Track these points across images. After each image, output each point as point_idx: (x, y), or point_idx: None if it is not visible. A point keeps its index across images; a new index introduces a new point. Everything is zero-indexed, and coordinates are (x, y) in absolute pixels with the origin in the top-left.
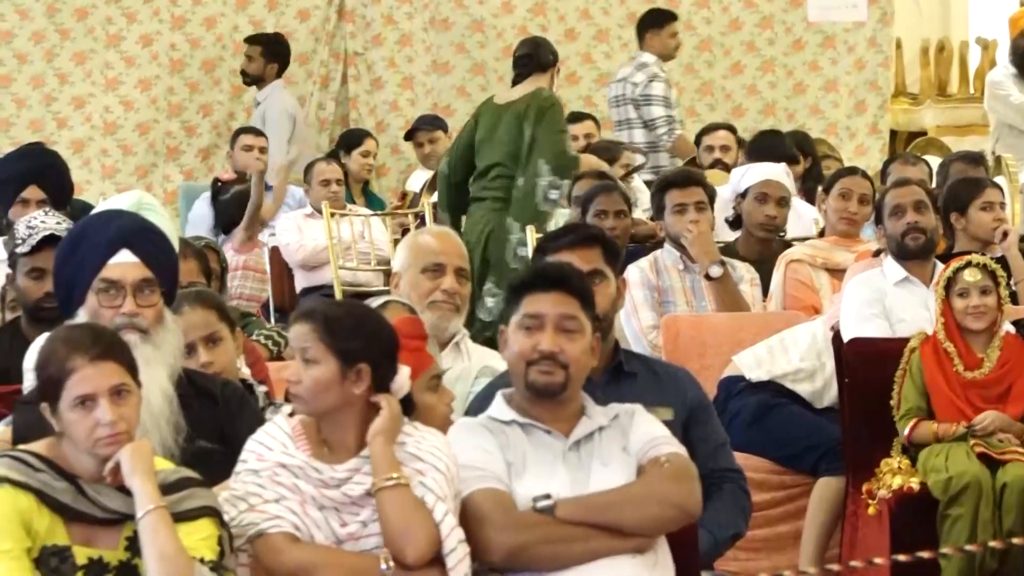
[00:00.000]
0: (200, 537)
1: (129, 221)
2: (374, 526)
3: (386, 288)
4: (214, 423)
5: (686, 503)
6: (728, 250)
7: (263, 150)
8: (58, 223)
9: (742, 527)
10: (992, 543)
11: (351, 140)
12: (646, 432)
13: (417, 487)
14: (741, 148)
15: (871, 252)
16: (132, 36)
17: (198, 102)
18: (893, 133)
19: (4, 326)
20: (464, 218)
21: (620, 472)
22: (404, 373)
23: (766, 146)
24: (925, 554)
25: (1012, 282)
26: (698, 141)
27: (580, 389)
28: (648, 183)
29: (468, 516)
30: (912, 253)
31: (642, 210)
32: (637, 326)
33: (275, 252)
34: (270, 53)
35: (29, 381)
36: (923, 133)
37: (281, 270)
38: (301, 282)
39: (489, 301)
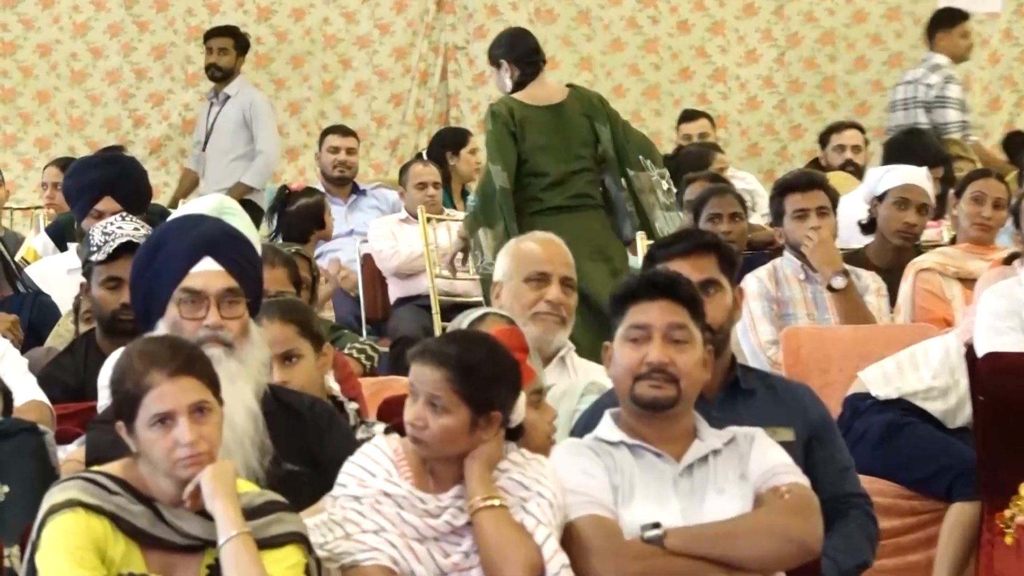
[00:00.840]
0: (287, 565)
1: (212, 227)
2: (477, 556)
3: (477, 299)
4: (302, 444)
5: (807, 538)
6: (857, 257)
7: (351, 151)
8: (136, 229)
9: (869, 556)
10: None
11: (456, 139)
12: (766, 458)
13: (518, 513)
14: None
15: (1003, 259)
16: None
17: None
18: None
19: (78, 340)
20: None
21: (736, 501)
22: (521, 401)
23: (908, 147)
24: None
25: None
26: (824, 140)
27: (691, 406)
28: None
29: (571, 544)
30: None
31: (760, 215)
32: (755, 340)
33: (367, 259)
34: (240, 46)
35: (104, 398)
36: None
37: (373, 278)
38: (395, 291)
39: None
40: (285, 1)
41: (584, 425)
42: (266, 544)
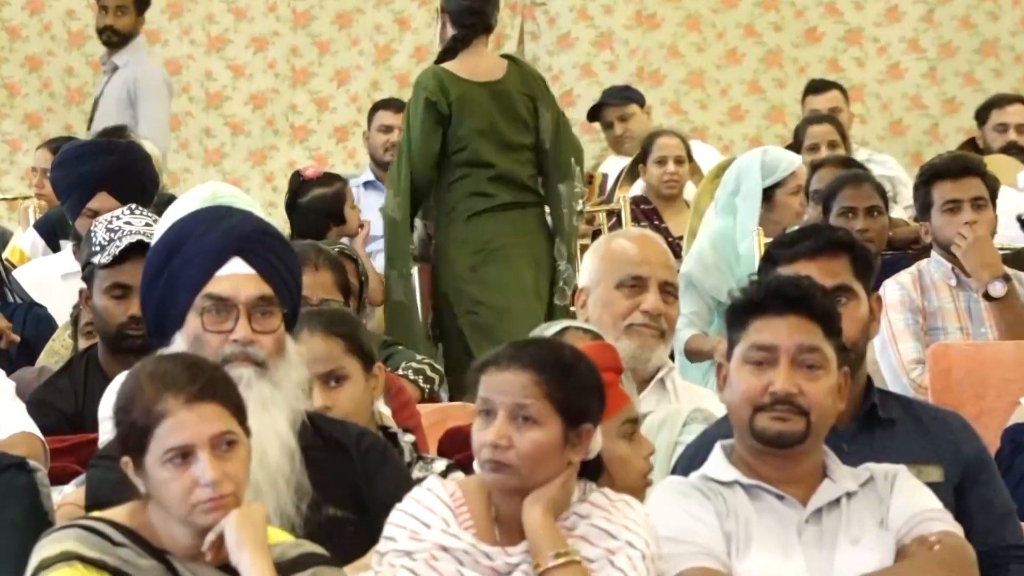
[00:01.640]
0: None
1: (242, 221)
2: None
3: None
4: (347, 484)
5: None
6: (1020, 259)
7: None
8: (147, 225)
9: None
10: None
11: None
12: (910, 502)
13: (604, 569)
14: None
15: None
16: None
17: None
18: None
19: (76, 358)
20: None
21: (873, 553)
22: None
23: None
24: None
25: None
26: (983, 117)
27: (822, 442)
28: None
29: None
30: None
31: (903, 207)
32: (896, 359)
33: (423, 269)
34: (142, 4)
35: (107, 429)
36: None
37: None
38: None
39: None
40: None
41: (689, 461)
42: None
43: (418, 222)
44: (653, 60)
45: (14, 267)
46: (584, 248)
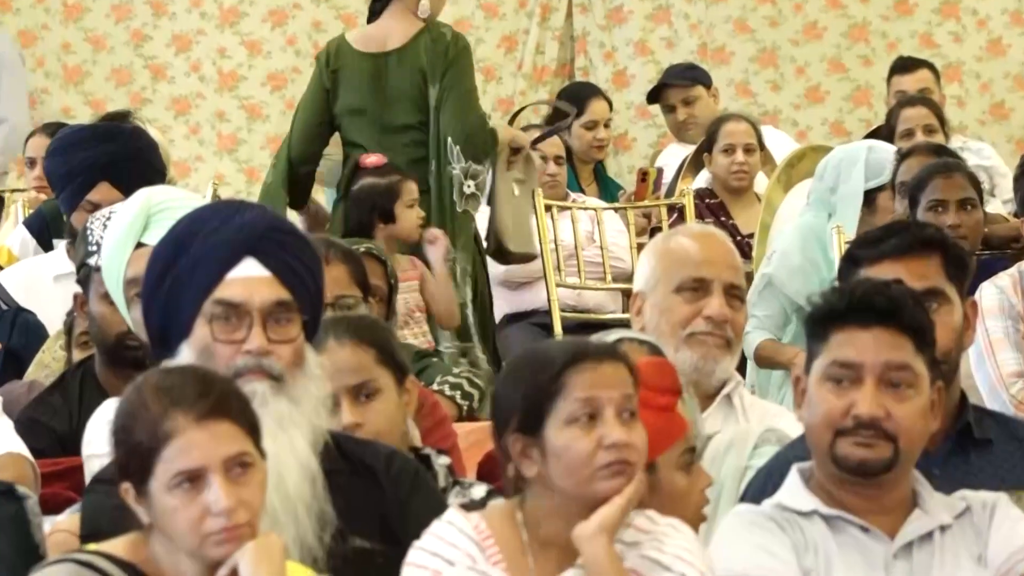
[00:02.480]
0: None
1: (257, 217)
2: None
3: (624, 317)
4: (375, 512)
5: None
6: None
7: None
8: None
9: None
10: None
11: (582, 98)
12: (1012, 536)
13: None
14: None
15: None
16: None
17: None
18: None
19: (70, 371)
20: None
21: None
22: None
23: None
24: None
25: None
26: None
27: (912, 468)
28: None
29: None
30: None
31: (1001, 201)
32: (994, 372)
33: None
34: None
35: (93, 467)
36: None
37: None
38: (502, 306)
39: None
40: None
41: (760, 487)
42: None
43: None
44: (718, 36)
45: (0, 268)
46: (640, 247)
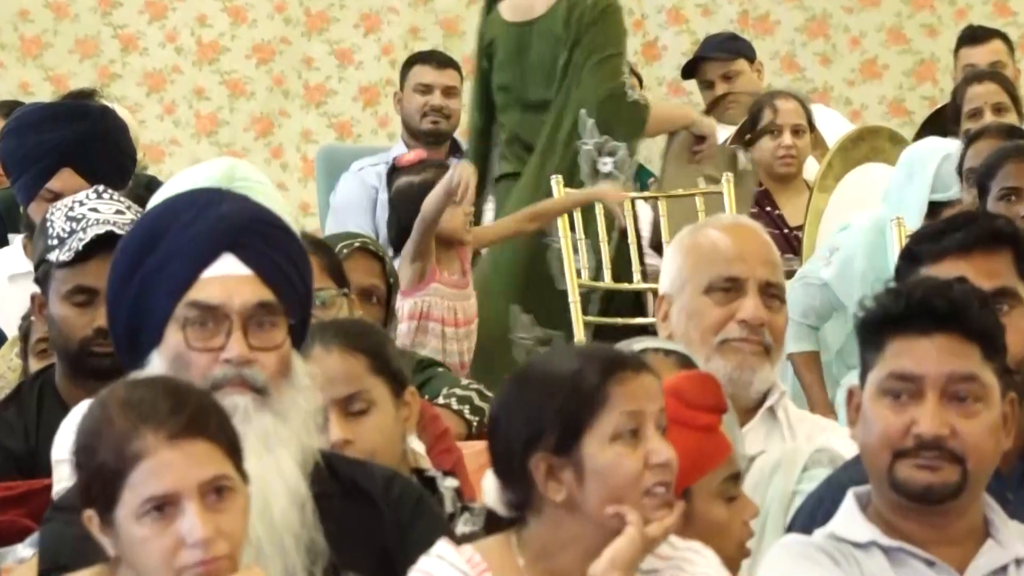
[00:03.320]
0: None
1: (237, 207)
2: None
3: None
4: (372, 542)
5: None
6: None
7: (451, 91)
8: (119, 213)
9: None
10: None
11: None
12: None
13: None
14: None
15: None
16: None
17: None
18: None
19: (27, 383)
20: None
21: None
22: None
23: None
24: None
25: None
26: None
27: (982, 492)
28: None
29: None
30: None
31: None
32: None
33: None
34: None
35: (63, 474)
36: None
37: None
38: None
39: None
40: None
41: (811, 514)
42: None
43: None
44: (760, 2)
45: None
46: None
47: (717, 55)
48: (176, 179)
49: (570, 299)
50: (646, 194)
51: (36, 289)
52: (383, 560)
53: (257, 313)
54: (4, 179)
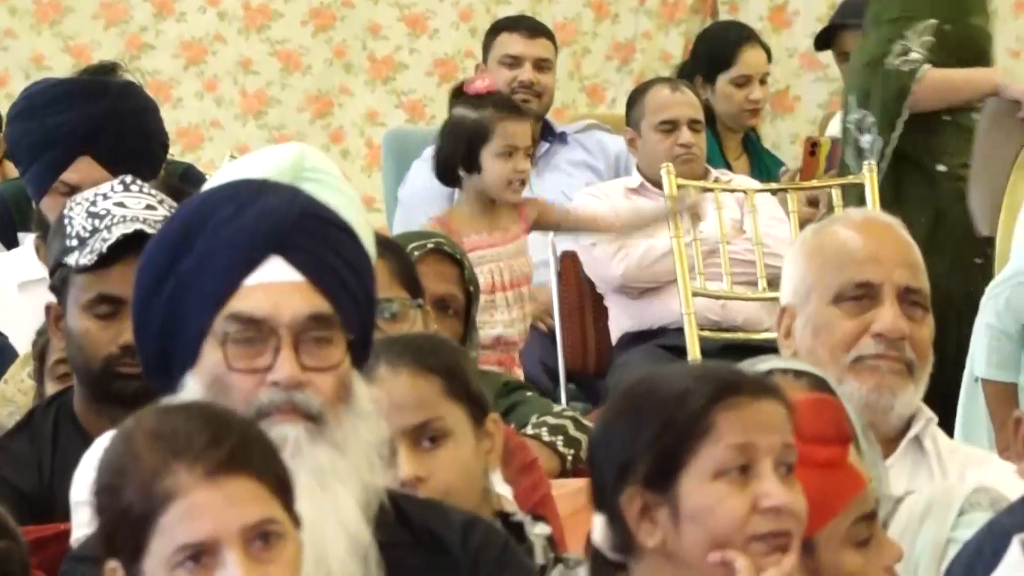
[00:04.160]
0: None
1: (285, 202)
2: None
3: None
4: None
5: None
6: None
7: (543, 64)
8: (149, 207)
9: None
10: None
11: (724, 49)
12: None
13: None
14: None
15: None
16: None
17: None
18: None
19: (40, 409)
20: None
21: None
22: None
23: None
24: None
25: None
26: None
27: None
28: None
29: None
30: None
31: None
32: None
33: (568, 264)
34: None
35: (83, 518)
36: None
37: (580, 297)
38: (622, 321)
39: None
40: None
41: (968, 566)
42: None
43: None
44: None
45: None
46: None
47: (858, 21)
48: (231, 167)
49: (683, 311)
50: (773, 186)
51: (51, 298)
52: None
53: (310, 327)
54: (12, 169)
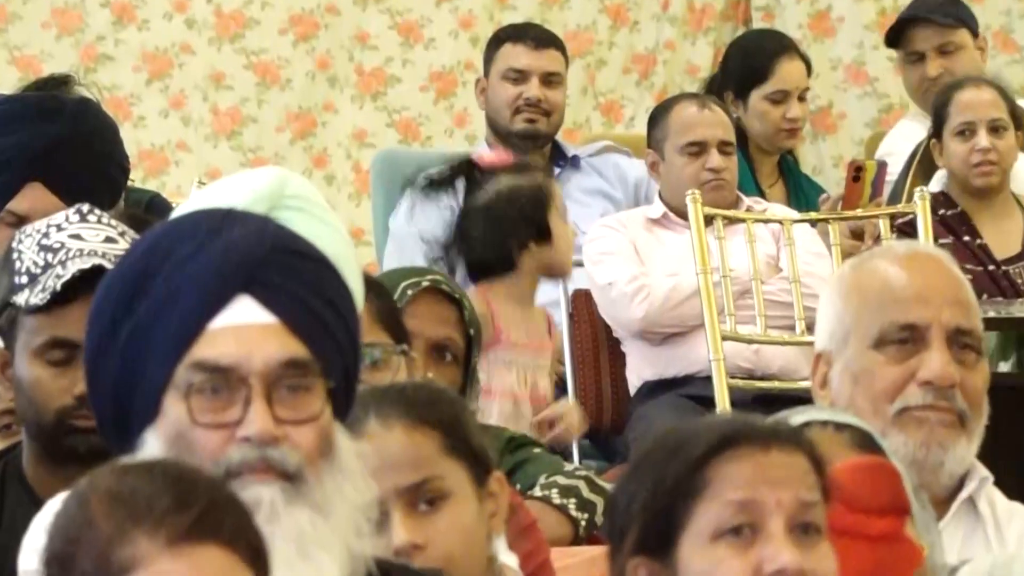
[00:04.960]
0: None
1: (255, 234)
2: None
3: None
4: None
5: None
6: None
7: (553, 79)
8: (108, 241)
9: None
10: None
11: (757, 62)
12: None
13: None
14: None
15: None
16: None
17: None
18: None
19: None
20: None
21: None
22: None
23: None
24: None
25: None
26: None
27: None
28: None
29: None
30: None
31: None
32: None
33: (581, 303)
34: None
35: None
36: None
37: (595, 342)
38: (642, 369)
39: None
40: None
41: None
42: None
43: None
44: None
45: None
46: None
47: (935, 18)
48: (200, 194)
49: (711, 358)
50: (812, 216)
51: None
52: None
53: (284, 374)
54: None
